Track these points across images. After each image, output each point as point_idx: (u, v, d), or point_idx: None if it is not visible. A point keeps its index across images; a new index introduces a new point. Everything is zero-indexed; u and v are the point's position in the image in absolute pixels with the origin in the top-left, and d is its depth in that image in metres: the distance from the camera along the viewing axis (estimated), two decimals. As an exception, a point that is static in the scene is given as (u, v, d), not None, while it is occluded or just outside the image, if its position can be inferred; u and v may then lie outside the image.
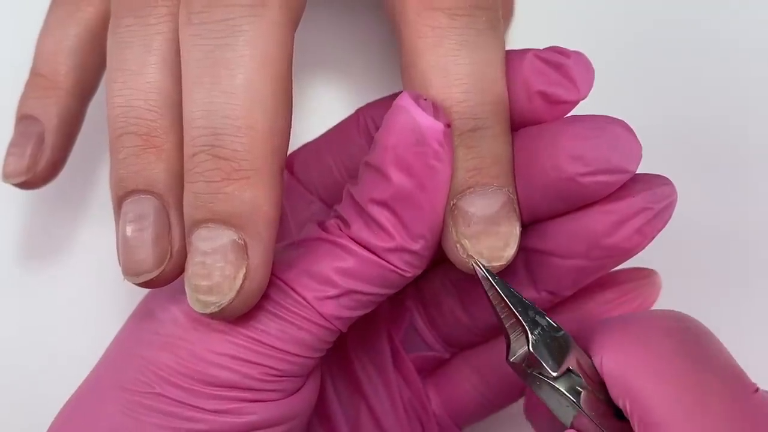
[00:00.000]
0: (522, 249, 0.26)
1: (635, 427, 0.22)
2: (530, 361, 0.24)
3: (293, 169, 0.31)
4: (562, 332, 0.24)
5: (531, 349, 0.24)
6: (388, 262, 0.24)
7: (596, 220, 0.25)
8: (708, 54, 0.38)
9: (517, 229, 0.25)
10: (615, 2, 0.39)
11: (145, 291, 0.27)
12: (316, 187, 0.31)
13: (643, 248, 0.26)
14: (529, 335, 0.24)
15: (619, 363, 0.23)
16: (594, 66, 0.26)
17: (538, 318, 0.24)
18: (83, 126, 0.34)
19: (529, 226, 0.26)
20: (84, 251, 0.37)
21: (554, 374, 0.24)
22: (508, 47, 0.26)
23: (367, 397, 0.30)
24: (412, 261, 0.25)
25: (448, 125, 0.24)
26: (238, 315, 0.24)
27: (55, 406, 0.26)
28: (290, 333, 0.24)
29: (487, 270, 0.24)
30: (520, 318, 0.24)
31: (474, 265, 0.24)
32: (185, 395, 0.24)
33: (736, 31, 0.39)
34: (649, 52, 0.38)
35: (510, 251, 0.24)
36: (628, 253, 0.26)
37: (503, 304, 0.24)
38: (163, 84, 0.25)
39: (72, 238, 0.37)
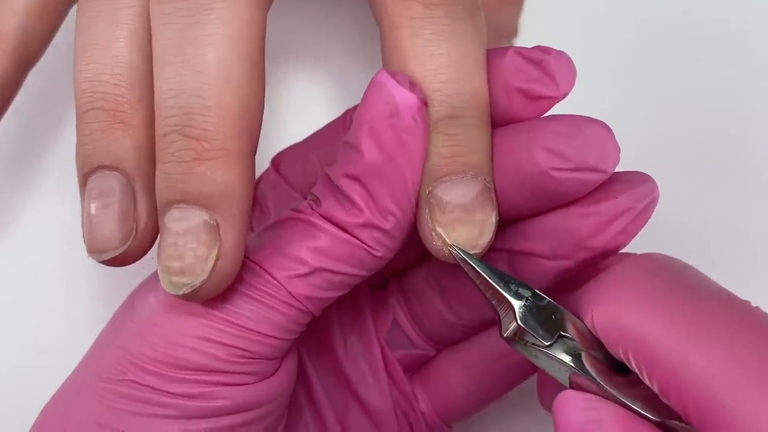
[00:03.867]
0: (506, 250, 0.26)
1: (643, 373, 0.22)
2: (522, 334, 0.24)
3: (279, 168, 0.31)
4: (547, 300, 0.24)
5: (519, 322, 0.24)
6: (357, 238, 0.24)
7: (580, 222, 0.25)
8: (710, 56, 0.39)
9: (493, 218, 0.25)
10: (617, 6, 0.39)
11: (127, 284, 0.27)
12: (301, 185, 0.31)
13: (627, 244, 0.26)
14: (516, 309, 0.24)
15: (611, 314, 0.22)
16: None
17: (521, 290, 0.24)
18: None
19: (512, 226, 0.26)
20: (59, 241, 0.36)
21: (547, 342, 0.24)
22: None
23: (356, 392, 0.30)
24: (383, 240, 0.25)
25: (425, 103, 0.24)
26: (212, 296, 0.24)
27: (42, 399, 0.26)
28: (261, 313, 0.24)
29: (464, 252, 0.24)
30: (503, 293, 0.24)
31: (450, 250, 0.24)
32: (157, 381, 0.24)
33: (738, 32, 0.39)
34: (649, 54, 0.39)
35: (485, 239, 0.25)
36: (613, 251, 0.26)
37: (486, 283, 0.24)
38: (131, 58, 0.25)
39: (42, 225, 0.37)
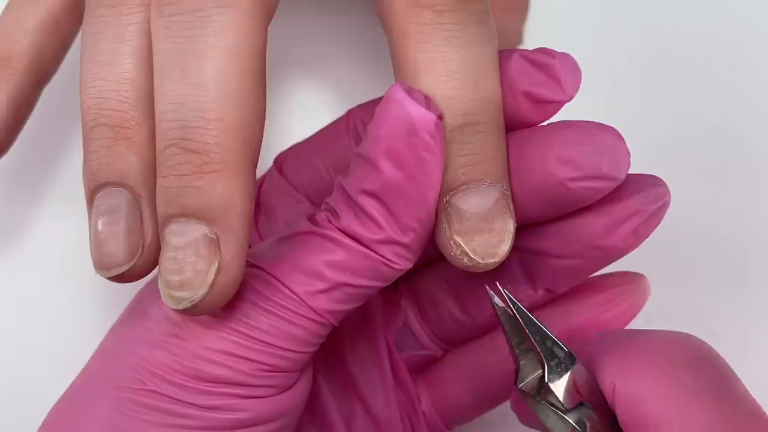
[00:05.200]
0: (518, 249, 0.26)
1: None
2: (543, 391, 0.24)
3: (282, 169, 0.31)
4: (577, 364, 0.24)
5: (548, 381, 0.23)
6: (377, 253, 0.24)
7: (592, 222, 0.25)
8: (711, 58, 0.39)
9: (511, 226, 0.24)
10: (621, 12, 0.39)
11: (130, 289, 0.27)
12: (305, 187, 0.31)
13: (637, 247, 0.26)
14: (545, 367, 0.23)
15: (636, 395, 0.22)
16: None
17: (555, 349, 0.24)
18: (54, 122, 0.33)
19: (523, 226, 0.26)
20: (65, 250, 0.36)
21: (568, 407, 0.23)
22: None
23: (362, 394, 0.30)
24: (403, 253, 0.24)
25: (440, 117, 0.24)
26: (213, 311, 0.23)
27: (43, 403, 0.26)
28: (282, 328, 0.24)
29: (510, 299, 0.24)
30: (537, 348, 0.24)
31: (500, 308, 0.24)
32: (178, 392, 0.24)
33: (739, 35, 0.39)
34: (654, 58, 0.39)
35: (504, 248, 0.24)
36: (623, 253, 0.26)
37: (519, 331, 0.24)
38: (136, 75, 0.25)
39: (48, 235, 0.37)
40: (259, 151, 0.24)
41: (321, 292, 0.24)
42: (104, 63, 0.25)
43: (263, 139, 0.24)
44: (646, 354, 0.23)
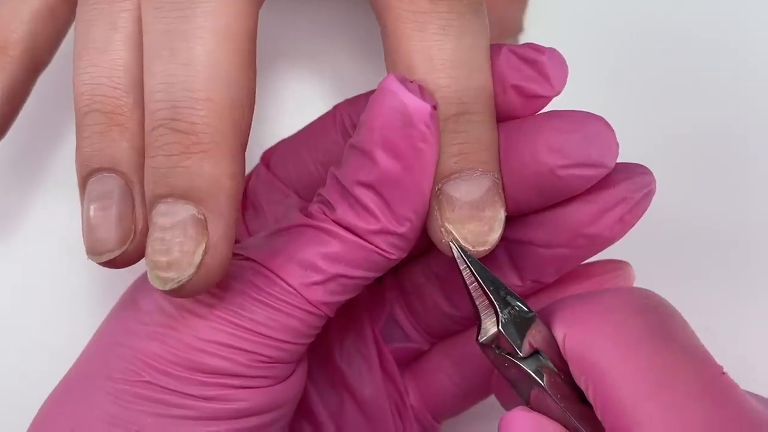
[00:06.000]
0: (505, 239, 0.26)
1: (596, 408, 0.22)
2: (499, 342, 0.24)
3: (270, 164, 0.31)
4: (533, 314, 0.24)
5: (500, 328, 0.24)
6: (373, 244, 0.24)
7: (578, 210, 0.25)
8: (709, 57, 0.39)
9: (501, 214, 0.24)
10: (621, 3, 0.39)
11: (126, 276, 0.27)
12: (292, 181, 0.31)
13: (624, 236, 0.26)
14: (499, 314, 0.24)
15: (584, 340, 0.22)
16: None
17: (509, 298, 0.24)
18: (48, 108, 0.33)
19: (509, 217, 0.26)
20: (61, 241, 0.37)
21: (522, 354, 0.23)
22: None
23: (351, 387, 0.29)
24: (398, 243, 0.24)
25: (435, 107, 0.24)
26: (200, 292, 0.23)
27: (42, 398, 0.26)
28: (278, 320, 0.24)
29: (462, 249, 0.24)
30: (491, 297, 0.24)
31: (450, 243, 0.24)
32: (174, 383, 0.24)
33: (737, 34, 0.39)
34: (652, 51, 0.39)
35: (494, 236, 0.24)
36: (610, 241, 0.26)
37: (476, 284, 0.24)
38: (128, 61, 0.25)
39: (44, 223, 0.37)
40: (249, 134, 0.24)
41: (317, 283, 0.24)
42: (97, 50, 0.25)
43: (254, 130, 0.24)
44: (594, 304, 0.23)
